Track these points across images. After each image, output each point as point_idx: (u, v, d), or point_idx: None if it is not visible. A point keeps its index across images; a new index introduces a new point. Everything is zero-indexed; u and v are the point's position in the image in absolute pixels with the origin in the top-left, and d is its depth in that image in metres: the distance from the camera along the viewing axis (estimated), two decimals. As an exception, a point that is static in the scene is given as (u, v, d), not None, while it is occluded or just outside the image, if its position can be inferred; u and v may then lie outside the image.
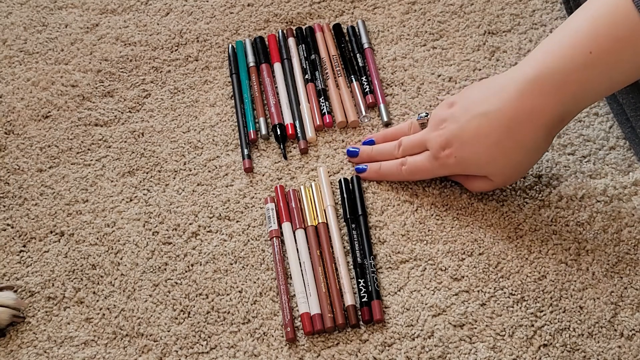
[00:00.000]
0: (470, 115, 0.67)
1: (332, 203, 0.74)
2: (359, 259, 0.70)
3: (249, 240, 0.73)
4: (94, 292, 0.71)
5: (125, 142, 0.81)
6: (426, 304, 0.67)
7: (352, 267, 0.70)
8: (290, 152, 0.79)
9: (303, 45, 0.86)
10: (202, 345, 0.67)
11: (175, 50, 0.88)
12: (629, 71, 0.62)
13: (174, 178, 0.78)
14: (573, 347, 0.64)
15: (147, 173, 0.78)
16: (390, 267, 0.70)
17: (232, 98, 0.83)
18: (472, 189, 0.72)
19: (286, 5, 0.90)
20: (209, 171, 0.78)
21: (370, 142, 0.76)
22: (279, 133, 0.79)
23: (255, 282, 0.70)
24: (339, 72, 0.83)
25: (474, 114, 0.67)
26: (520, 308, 0.66)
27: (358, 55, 0.84)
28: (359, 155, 0.76)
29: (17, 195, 0.78)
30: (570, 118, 0.66)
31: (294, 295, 0.69)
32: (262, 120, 0.81)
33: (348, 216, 0.72)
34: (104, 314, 0.70)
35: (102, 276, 0.72)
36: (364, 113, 0.80)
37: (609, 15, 0.60)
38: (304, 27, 0.88)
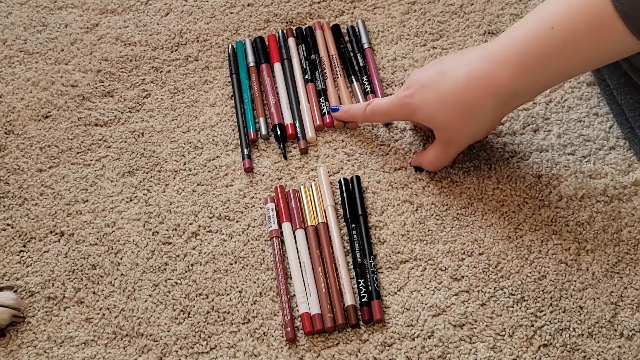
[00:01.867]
0: (437, 67, 0.69)
1: (332, 203, 0.74)
2: (359, 259, 0.70)
3: (249, 240, 0.73)
4: (94, 292, 0.71)
5: (125, 142, 0.81)
6: (426, 304, 0.67)
7: (352, 267, 0.70)
8: (290, 152, 0.79)
9: (303, 45, 0.86)
10: (202, 345, 0.67)
11: (175, 50, 0.88)
12: (587, 55, 0.62)
13: (174, 178, 0.78)
14: (573, 347, 0.64)
15: (147, 173, 0.78)
16: (390, 267, 0.70)
17: (232, 98, 0.83)
18: (427, 163, 0.73)
19: (286, 5, 0.90)
20: (209, 171, 0.78)
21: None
22: (279, 133, 0.79)
23: (255, 282, 0.70)
24: (338, 72, 0.83)
25: (441, 67, 0.69)
26: (520, 308, 0.66)
27: (358, 55, 0.84)
28: (339, 111, 0.79)
29: (17, 195, 0.78)
30: (525, 98, 0.67)
31: (294, 295, 0.69)
32: (262, 120, 0.81)
33: (348, 216, 0.72)
34: (104, 314, 0.70)
35: (102, 276, 0.72)
36: (364, 113, 0.80)
37: None
38: (304, 27, 0.88)
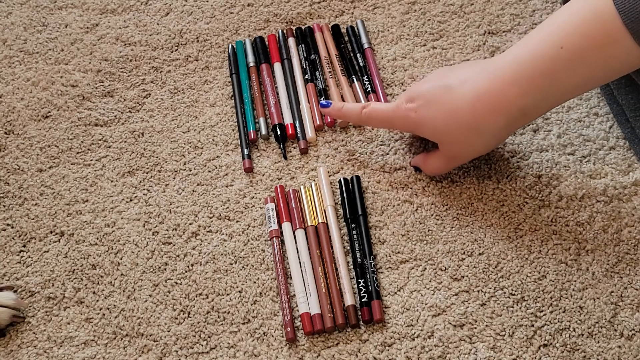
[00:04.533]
0: (443, 82, 0.68)
1: (332, 203, 0.74)
2: (359, 259, 0.70)
3: (249, 240, 0.73)
4: (94, 292, 0.71)
5: (125, 142, 0.81)
6: (426, 304, 0.67)
7: (352, 267, 0.70)
8: (290, 152, 0.79)
9: (303, 45, 0.86)
10: (202, 345, 0.67)
11: (175, 50, 0.88)
12: (597, 71, 0.62)
13: (174, 178, 0.78)
14: (573, 347, 0.64)
15: (147, 173, 0.78)
16: (390, 267, 0.70)
17: (232, 98, 0.83)
18: (427, 170, 0.73)
19: (286, 5, 0.90)
20: (209, 171, 0.78)
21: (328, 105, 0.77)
22: (279, 133, 0.79)
23: (255, 282, 0.70)
24: (339, 72, 0.83)
25: (447, 82, 0.68)
26: (520, 308, 0.66)
27: (358, 55, 0.84)
28: (329, 107, 0.77)
29: (17, 195, 0.78)
30: (534, 115, 0.67)
31: (294, 295, 0.69)
32: (262, 120, 0.81)
33: (348, 216, 0.72)
34: (104, 314, 0.70)
35: (102, 276, 0.72)
36: (364, 113, 0.80)
37: (585, 12, 0.61)
38: (303, 27, 0.88)
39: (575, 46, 0.61)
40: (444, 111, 0.67)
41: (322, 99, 0.80)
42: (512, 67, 0.64)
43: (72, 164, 0.80)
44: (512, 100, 0.64)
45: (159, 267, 0.72)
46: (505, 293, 0.67)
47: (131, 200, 0.77)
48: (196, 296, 0.70)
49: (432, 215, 0.72)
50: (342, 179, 0.75)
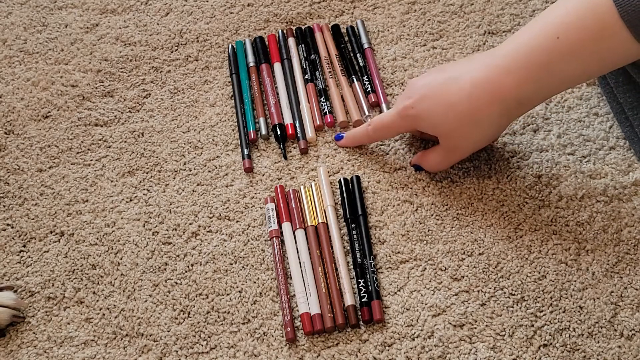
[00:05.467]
0: (440, 75, 0.69)
1: (332, 203, 0.74)
2: (359, 259, 0.70)
3: (249, 240, 0.73)
4: (94, 292, 0.71)
5: (125, 142, 0.81)
6: (426, 304, 0.67)
7: (352, 267, 0.70)
8: (290, 152, 0.79)
9: (303, 45, 0.86)
10: (202, 345, 0.67)
11: (175, 50, 0.88)
12: (593, 64, 0.63)
13: (174, 178, 0.78)
14: (573, 347, 0.64)
15: (147, 173, 0.78)
16: (390, 267, 0.70)
17: (232, 98, 0.83)
18: (428, 166, 0.73)
19: (286, 5, 0.90)
20: (209, 171, 0.78)
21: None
22: (279, 133, 0.79)
23: (255, 282, 0.70)
24: (339, 72, 0.83)
25: (443, 75, 0.69)
26: (520, 308, 0.66)
27: (358, 55, 0.84)
28: (344, 139, 0.78)
29: (17, 195, 0.78)
30: (530, 105, 0.67)
31: (294, 295, 0.69)
32: (262, 120, 0.81)
33: (348, 216, 0.72)
34: (104, 314, 0.70)
35: (102, 276, 0.72)
36: (367, 112, 0.80)
37: (582, 4, 0.61)
38: (303, 27, 0.88)
39: (572, 38, 0.61)
40: (442, 103, 0.68)
41: (336, 132, 0.80)
42: (509, 57, 0.65)
43: (72, 164, 0.80)
44: (508, 89, 0.65)
45: (159, 267, 0.72)
46: (505, 293, 0.67)
47: (131, 200, 0.77)
48: (196, 296, 0.70)
49: (432, 215, 0.72)
50: (342, 179, 0.75)
